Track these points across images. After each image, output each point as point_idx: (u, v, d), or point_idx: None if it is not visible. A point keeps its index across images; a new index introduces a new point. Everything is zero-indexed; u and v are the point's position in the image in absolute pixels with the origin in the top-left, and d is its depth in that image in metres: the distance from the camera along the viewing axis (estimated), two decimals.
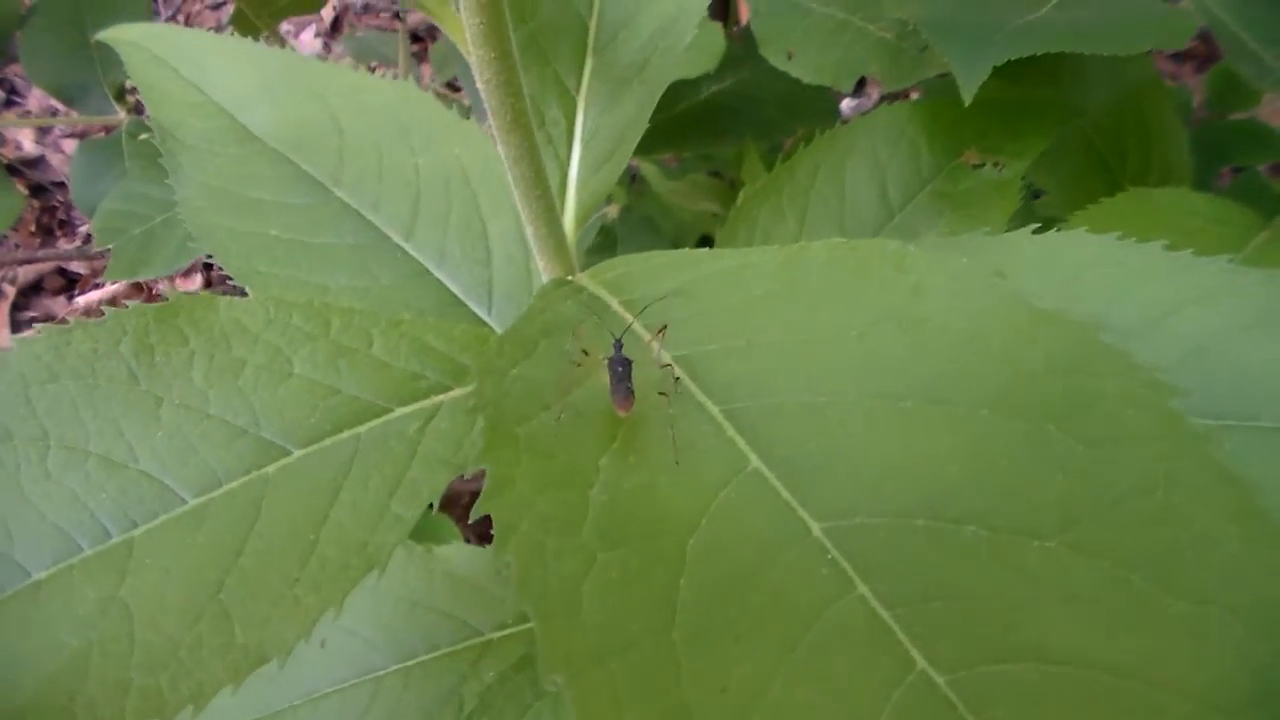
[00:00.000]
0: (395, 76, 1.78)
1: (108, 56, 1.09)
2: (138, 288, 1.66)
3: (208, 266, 1.72)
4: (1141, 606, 0.25)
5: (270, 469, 0.42)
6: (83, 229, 1.83)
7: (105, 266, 1.73)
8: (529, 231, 0.43)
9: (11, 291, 1.70)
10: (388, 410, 0.44)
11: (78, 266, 1.75)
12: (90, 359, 0.43)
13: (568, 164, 0.44)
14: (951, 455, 0.28)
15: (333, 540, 0.40)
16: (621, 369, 0.34)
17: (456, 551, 0.72)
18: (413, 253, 0.58)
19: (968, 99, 0.59)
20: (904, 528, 0.28)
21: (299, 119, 0.63)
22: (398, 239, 0.58)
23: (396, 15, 1.59)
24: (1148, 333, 0.44)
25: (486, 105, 0.37)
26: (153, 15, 1.15)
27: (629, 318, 0.36)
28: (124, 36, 0.69)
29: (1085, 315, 0.44)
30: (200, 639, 0.38)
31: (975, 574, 0.27)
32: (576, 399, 0.31)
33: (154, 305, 0.44)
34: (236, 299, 0.45)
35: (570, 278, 0.41)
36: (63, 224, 1.81)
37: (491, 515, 0.26)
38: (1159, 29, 0.64)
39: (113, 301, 1.68)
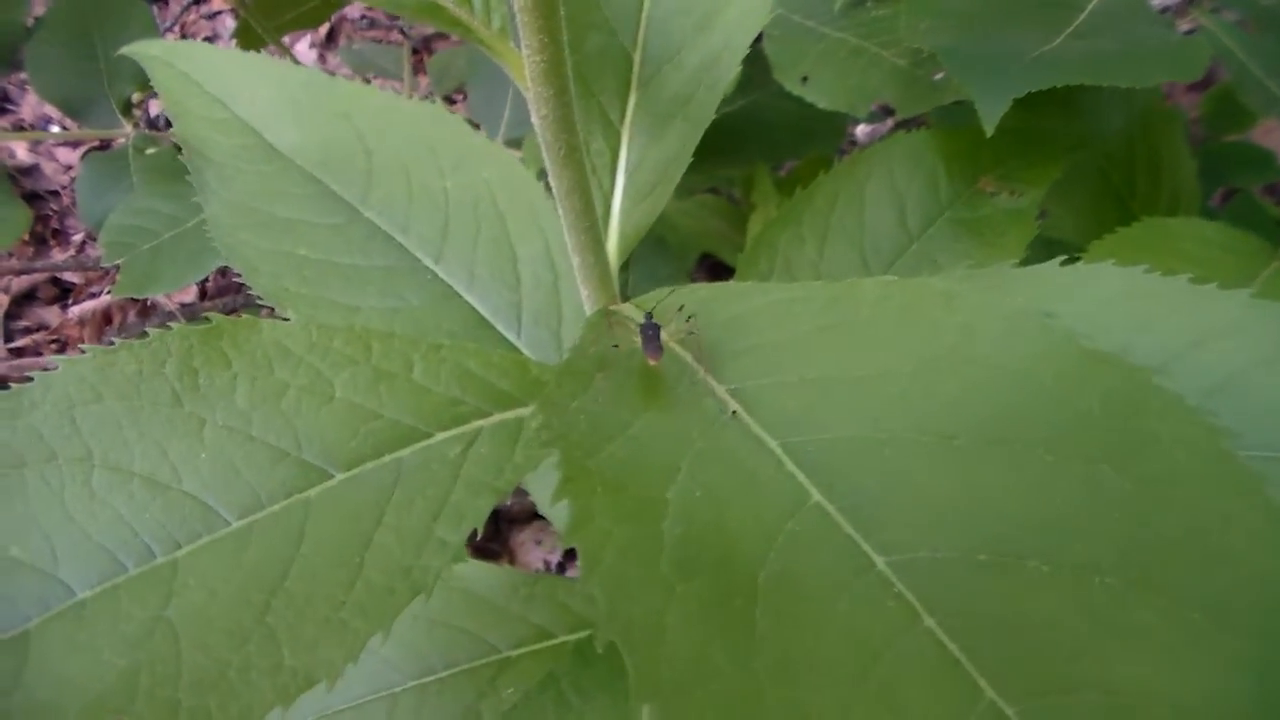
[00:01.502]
0: (394, 89, 1.79)
1: (114, 70, 1.10)
2: (133, 299, 1.66)
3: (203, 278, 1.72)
4: (1203, 643, 0.26)
5: (313, 492, 0.43)
6: (77, 237, 1.82)
7: (100, 276, 1.73)
8: (575, 261, 0.44)
9: (5, 300, 1.69)
10: (429, 435, 0.44)
11: (72, 275, 1.74)
12: (135, 380, 0.44)
13: (611, 195, 0.45)
14: (1010, 493, 0.29)
15: (378, 564, 0.40)
16: (651, 332, 0.39)
17: (474, 569, 0.72)
18: (442, 275, 0.59)
19: (989, 130, 0.61)
20: (967, 562, 0.28)
21: (326, 138, 0.64)
22: (427, 261, 0.59)
23: (402, 30, 1.59)
24: (1173, 366, 0.45)
25: (541, 139, 0.37)
26: (157, 29, 1.15)
27: (677, 348, 0.37)
28: (148, 52, 0.69)
29: (1111, 347, 0.45)
30: (249, 660, 0.39)
31: (1039, 607, 0.27)
32: (636, 431, 0.32)
33: (198, 327, 0.45)
34: (279, 322, 0.46)
35: (613, 307, 0.42)
36: (56, 233, 1.81)
37: (576, 548, 0.26)
38: (1172, 61, 0.66)
39: (107, 312, 1.68)
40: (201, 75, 0.67)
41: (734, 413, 0.33)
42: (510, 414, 0.45)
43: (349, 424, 0.44)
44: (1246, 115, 1.18)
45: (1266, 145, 1.17)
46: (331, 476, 0.43)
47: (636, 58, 0.45)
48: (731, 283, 0.39)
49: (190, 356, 0.44)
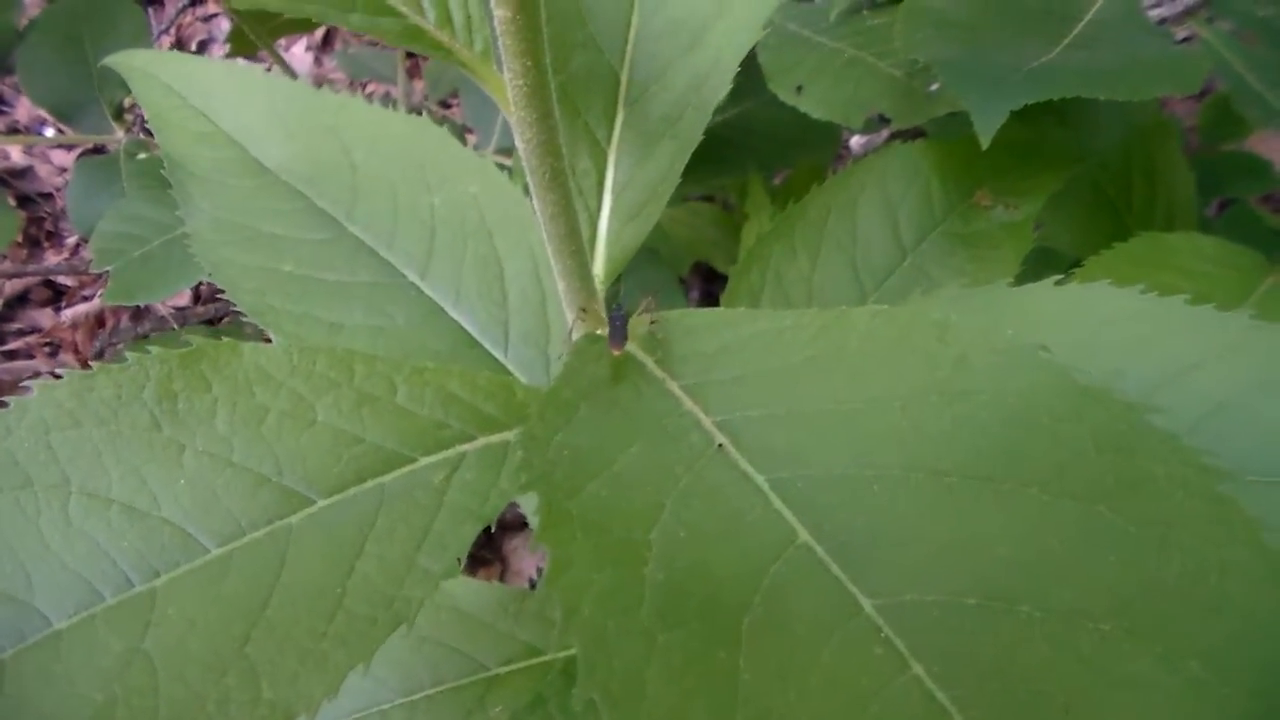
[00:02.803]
0: (389, 93, 1.78)
1: (106, 75, 1.09)
2: None
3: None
4: (1201, 695, 0.25)
5: (294, 519, 0.42)
6: (70, 240, 1.81)
7: (93, 279, 1.72)
8: (560, 286, 0.43)
9: None
10: (412, 460, 0.44)
11: (65, 278, 1.73)
12: (113, 405, 0.43)
13: (598, 216, 0.44)
14: (1001, 534, 0.29)
15: (359, 594, 0.40)
16: (619, 323, 0.39)
17: (462, 586, 0.71)
18: (428, 291, 0.58)
19: (985, 143, 0.60)
20: (956, 606, 0.28)
21: (311, 152, 0.63)
22: (413, 277, 0.58)
23: None
24: (1169, 388, 0.44)
25: (525, 164, 0.36)
26: (150, 32, 1.14)
27: (664, 378, 0.36)
28: (131, 63, 0.68)
29: (1106, 369, 0.45)
30: (227, 694, 0.38)
31: (1030, 655, 0.27)
32: (620, 468, 0.31)
33: (178, 351, 0.44)
34: (260, 345, 0.45)
35: (600, 332, 0.41)
36: (50, 235, 1.80)
37: (555, 597, 0.25)
38: (1171, 74, 0.65)
39: (100, 315, 1.67)
40: (185, 87, 0.66)
41: (720, 446, 0.33)
42: (495, 438, 0.44)
43: (331, 449, 0.43)
44: (1243, 124, 1.17)
45: (1263, 154, 1.16)
46: (313, 503, 0.42)
47: (624, 76, 0.44)
48: (720, 309, 0.38)
49: (169, 380, 0.43)
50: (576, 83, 0.44)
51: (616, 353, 0.37)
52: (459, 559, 0.40)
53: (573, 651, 0.68)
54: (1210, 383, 0.44)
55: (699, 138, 0.43)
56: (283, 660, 0.38)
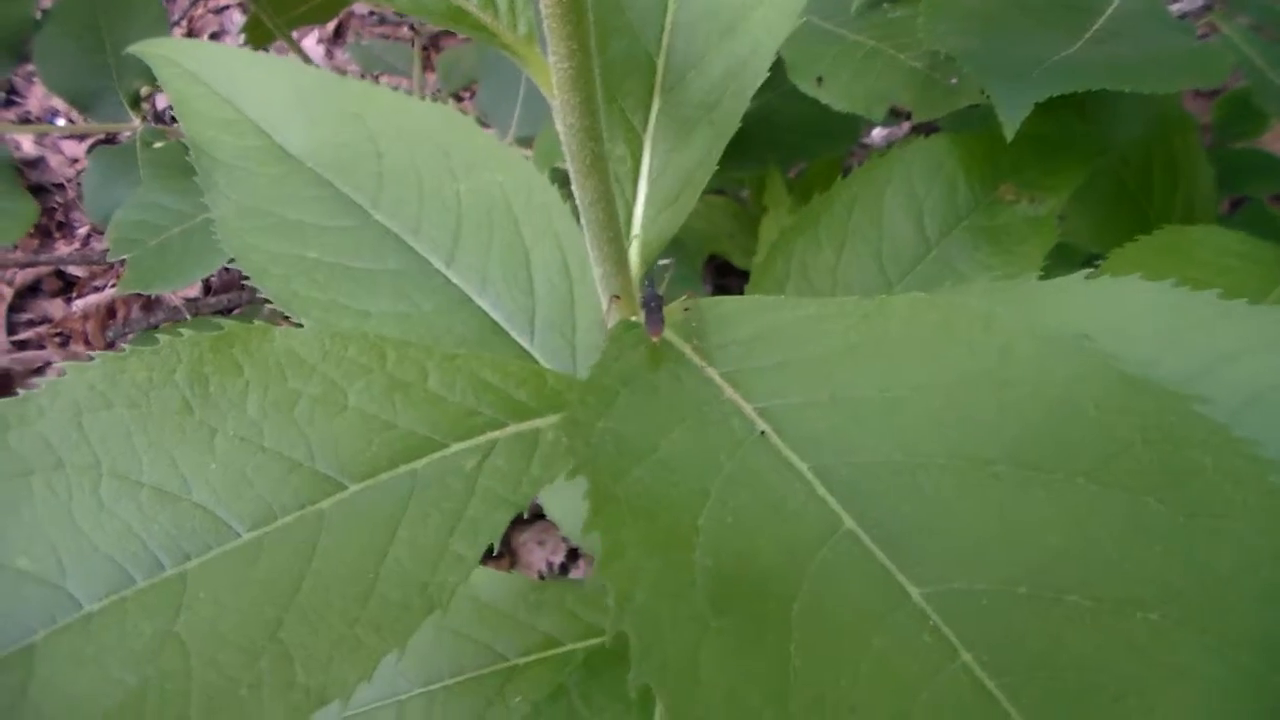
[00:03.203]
0: (399, 85, 1.78)
1: (123, 63, 1.09)
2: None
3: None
4: (1251, 685, 0.25)
5: (325, 504, 0.42)
6: (81, 230, 1.81)
7: (104, 270, 1.72)
8: (596, 272, 0.43)
9: (9, 293, 1.69)
10: (444, 446, 0.44)
11: (76, 269, 1.73)
12: (145, 387, 0.43)
13: (633, 203, 0.44)
14: (1050, 524, 0.28)
15: (393, 579, 0.40)
16: (655, 308, 0.40)
17: (482, 576, 0.71)
18: (454, 279, 0.58)
19: (1010, 135, 0.60)
20: (1005, 595, 0.28)
21: (337, 139, 0.63)
22: (439, 264, 0.58)
23: (412, 27, 1.58)
24: (1202, 380, 0.44)
25: (565, 149, 0.36)
26: (167, 21, 1.14)
27: (702, 364, 0.36)
28: (156, 50, 0.68)
29: (1140, 361, 0.44)
30: (261, 678, 0.38)
31: (1080, 644, 0.27)
32: (663, 454, 0.31)
33: (209, 334, 0.44)
34: (292, 329, 0.45)
35: (635, 319, 0.41)
36: (61, 225, 1.80)
37: (608, 583, 0.25)
38: (1194, 67, 0.65)
39: (111, 306, 1.67)
40: (209, 75, 0.66)
41: (762, 433, 0.32)
42: (526, 425, 0.44)
43: (362, 434, 0.43)
44: (1257, 121, 1.17)
45: (1276, 151, 1.16)
46: (345, 488, 0.42)
47: (660, 63, 0.44)
48: (757, 296, 0.38)
49: (201, 364, 0.43)
50: (613, 69, 0.44)
51: (655, 338, 0.37)
52: (492, 545, 0.40)
53: (593, 642, 0.68)
54: (1243, 376, 0.44)
55: (736, 125, 0.43)
56: (316, 645, 0.38)
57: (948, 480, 0.30)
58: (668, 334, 0.38)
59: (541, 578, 1.47)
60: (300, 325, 0.56)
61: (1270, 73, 0.76)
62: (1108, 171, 0.77)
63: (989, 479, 0.30)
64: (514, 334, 0.56)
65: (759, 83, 0.43)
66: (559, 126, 0.36)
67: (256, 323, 0.44)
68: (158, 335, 0.43)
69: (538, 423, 0.44)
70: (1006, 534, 0.29)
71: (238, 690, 0.37)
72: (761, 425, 0.33)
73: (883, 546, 0.29)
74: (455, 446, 0.44)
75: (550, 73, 0.33)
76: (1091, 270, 0.47)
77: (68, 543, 0.41)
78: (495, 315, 0.57)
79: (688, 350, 0.37)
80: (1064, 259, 0.68)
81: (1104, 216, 0.76)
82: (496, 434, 0.44)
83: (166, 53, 0.67)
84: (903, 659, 0.26)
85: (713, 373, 0.35)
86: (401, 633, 0.38)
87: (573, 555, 1.52)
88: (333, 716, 0.68)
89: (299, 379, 0.44)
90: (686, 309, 0.40)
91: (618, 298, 0.43)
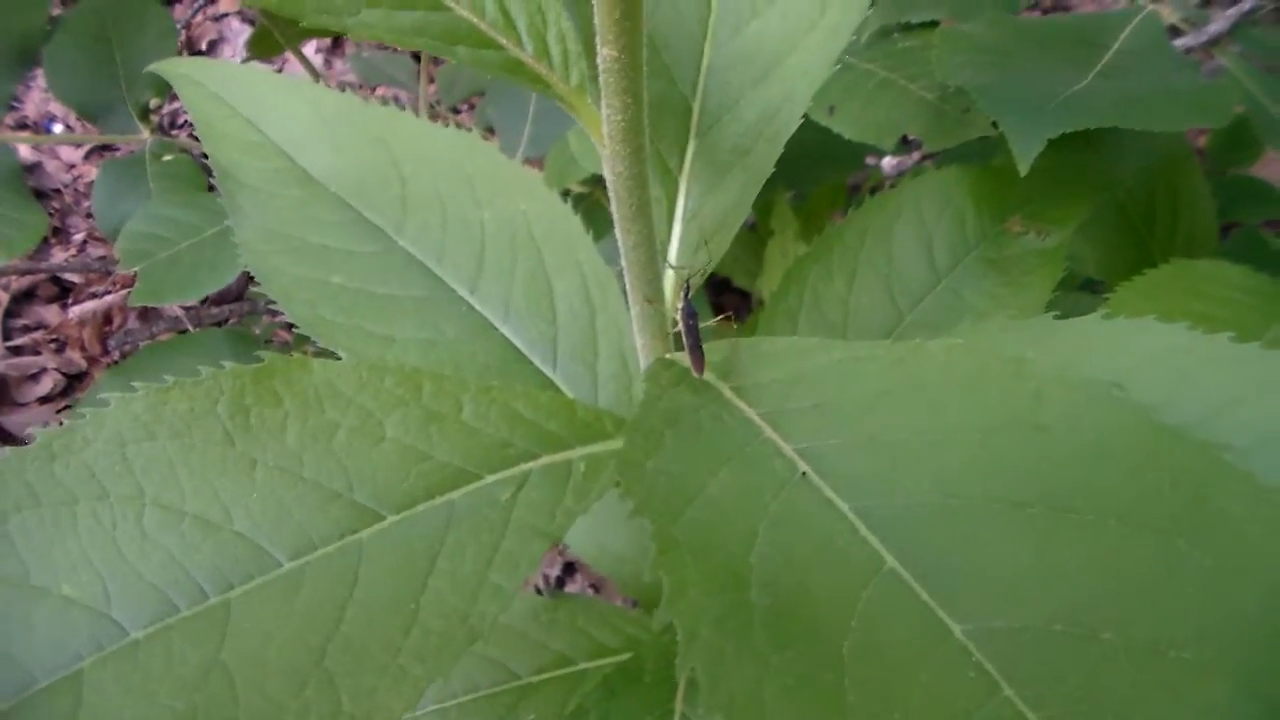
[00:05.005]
0: (397, 97, 1.79)
1: (133, 75, 1.09)
2: None
3: None
4: None
5: (365, 534, 0.43)
6: (77, 237, 1.81)
7: (100, 276, 1.72)
8: (633, 310, 0.44)
9: (5, 299, 1.68)
10: (479, 477, 0.45)
11: (72, 275, 1.73)
12: (187, 418, 0.44)
13: (667, 243, 0.45)
14: (1084, 564, 0.30)
15: (434, 609, 0.41)
16: (692, 322, 0.41)
17: None
18: (478, 306, 0.59)
19: (1024, 169, 0.61)
20: (1043, 633, 0.29)
21: (360, 164, 0.64)
22: (463, 292, 0.59)
23: None
24: (1213, 421, 0.46)
25: (612, 193, 0.38)
26: (176, 34, 1.14)
27: (742, 405, 0.38)
28: (179, 70, 0.69)
29: (1153, 401, 0.46)
30: (307, 705, 0.39)
31: (1116, 681, 0.28)
32: (713, 493, 0.32)
33: (250, 366, 0.45)
34: (329, 361, 0.46)
35: (669, 356, 0.42)
36: (57, 232, 1.79)
37: (676, 620, 0.27)
38: (1200, 106, 0.66)
39: (107, 313, 1.67)
40: (233, 96, 0.67)
41: (804, 474, 0.34)
42: (559, 456, 0.45)
43: (400, 465, 0.44)
44: (1250, 149, 1.20)
45: (1267, 178, 1.18)
46: (383, 518, 0.43)
47: (696, 106, 0.45)
48: (794, 338, 0.39)
49: (242, 395, 0.44)
50: (649, 110, 0.45)
51: (698, 375, 0.38)
52: (528, 576, 0.41)
53: (605, 661, 0.69)
54: (1253, 416, 0.45)
55: (770, 170, 0.45)
56: (361, 674, 0.39)
57: (985, 521, 0.31)
58: (707, 374, 0.39)
59: (539, 591, 1.48)
60: (315, 347, 0.57)
61: (1271, 106, 0.78)
62: (1112, 203, 0.79)
63: (1024, 520, 0.31)
64: (537, 362, 0.57)
65: (794, 128, 0.45)
66: (607, 174, 0.37)
67: (295, 355, 0.45)
68: (201, 368, 0.44)
69: (570, 454, 0.45)
70: (1042, 573, 0.30)
71: (284, 717, 0.38)
72: (803, 466, 0.34)
73: (924, 585, 0.30)
74: (490, 478, 0.45)
75: (602, 123, 0.35)
76: (1106, 311, 0.49)
77: (112, 571, 0.41)
78: (518, 343, 0.58)
79: (726, 391, 0.38)
80: (1063, 283, 0.70)
81: (1108, 247, 0.78)
82: (530, 465, 0.45)
83: (190, 73, 0.67)
84: (950, 693, 0.28)
85: (752, 414, 0.37)
86: (444, 662, 0.39)
87: (568, 569, 1.53)
88: None
89: (337, 410, 0.45)
90: (722, 347, 0.41)
91: (655, 340, 0.44)
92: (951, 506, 0.32)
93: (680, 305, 0.40)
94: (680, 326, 0.40)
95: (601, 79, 0.33)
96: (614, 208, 0.38)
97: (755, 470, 0.34)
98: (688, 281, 0.41)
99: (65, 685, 0.39)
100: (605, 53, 0.31)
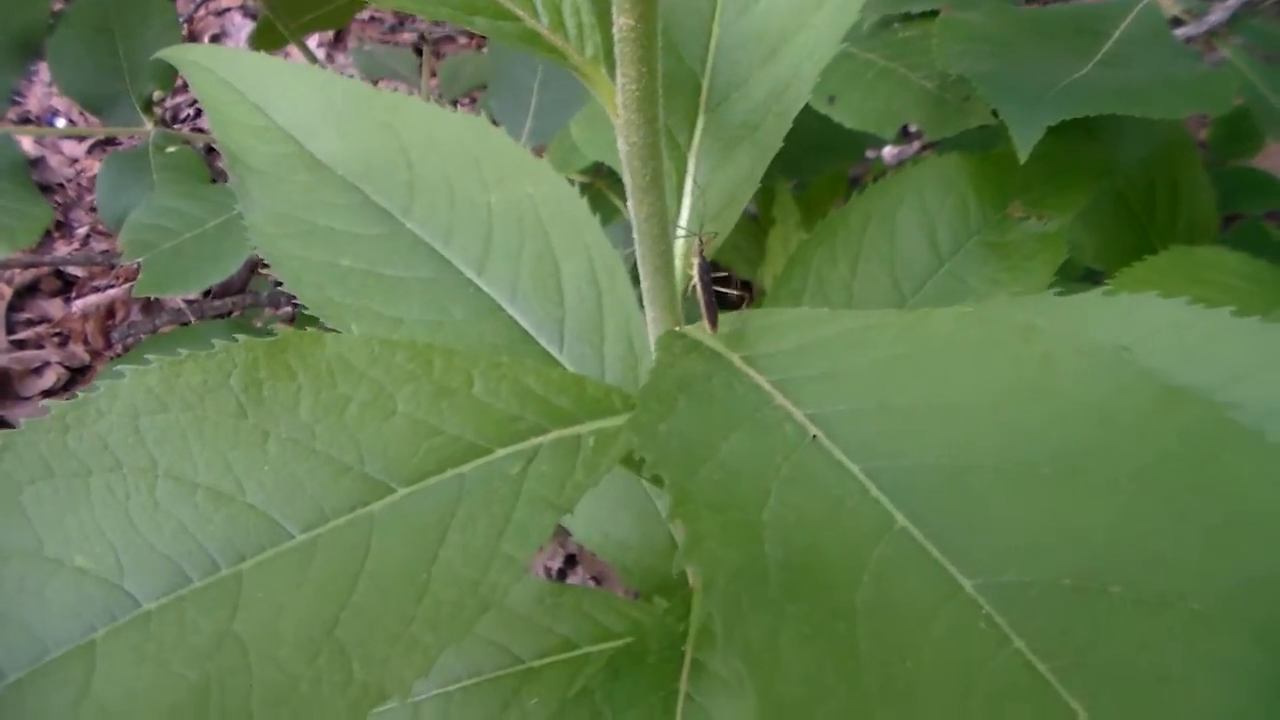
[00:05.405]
0: (402, 90, 1.79)
1: (136, 67, 1.09)
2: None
3: None
4: None
5: (376, 506, 0.43)
6: (81, 230, 1.81)
7: (104, 270, 1.72)
8: (644, 284, 0.44)
9: (8, 293, 1.69)
10: (489, 451, 0.45)
11: (75, 269, 1.73)
12: (200, 391, 0.44)
13: (676, 218, 0.46)
14: (1093, 522, 0.30)
15: (445, 579, 0.41)
16: (707, 277, 0.42)
17: None
18: (485, 288, 0.59)
19: (1024, 157, 0.62)
20: (1052, 587, 0.29)
21: (367, 148, 0.64)
22: (470, 274, 0.59)
23: (421, 35, 1.59)
24: (1216, 395, 0.46)
25: (625, 165, 0.38)
26: (179, 26, 1.15)
27: (752, 373, 0.38)
28: (186, 57, 0.69)
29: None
30: (320, 674, 0.39)
31: (1125, 632, 0.28)
32: (724, 455, 0.33)
33: (263, 340, 0.45)
34: (342, 335, 0.46)
35: (679, 329, 0.42)
36: (60, 225, 1.80)
37: (694, 568, 0.27)
38: (1200, 93, 0.67)
39: (110, 306, 1.67)
40: (241, 82, 0.67)
41: (815, 437, 0.34)
42: (569, 431, 0.46)
43: (411, 439, 0.45)
44: (1251, 140, 1.20)
45: (1269, 169, 1.19)
46: (394, 491, 0.44)
47: (705, 83, 0.46)
48: (802, 309, 0.40)
49: (255, 368, 0.45)
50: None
51: (712, 331, 0.38)
52: (541, 546, 0.42)
53: (609, 645, 0.69)
54: (1258, 391, 0.46)
55: (779, 145, 0.45)
56: (373, 643, 0.40)
57: (994, 482, 0.32)
58: (713, 343, 0.39)
59: (548, 574, 1.48)
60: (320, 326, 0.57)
61: (1271, 97, 0.79)
62: (1111, 191, 0.80)
63: (1034, 481, 0.32)
64: (544, 343, 0.58)
65: (800, 105, 0.45)
66: (620, 145, 0.37)
67: (309, 329, 0.46)
68: (214, 340, 0.44)
69: (579, 429, 0.46)
70: (1052, 531, 0.30)
71: (298, 686, 0.39)
72: (813, 430, 0.34)
73: (935, 542, 0.30)
74: (500, 452, 0.45)
75: (617, 93, 0.35)
76: (1109, 287, 0.49)
77: (125, 542, 0.42)
78: (525, 324, 0.58)
79: (736, 360, 0.38)
80: (1064, 273, 0.70)
81: (1108, 234, 0.78)
82: (540, 439, 0.46)
83: (199, 59, 0.68)
84: (961, 644, 0.28)
85: (762, 380, 0.37)
86: (456, 630, 0.39)
87: (570, 561, 1.53)
88: None
89: (349, 384, 0.45)
90: (731, 319, 0.42)
91: (666, 311, 0.44)
92: (961, 467, 0.32)
93: (696, 261, 0.40)
94: (695, 281, 0.40)
95: (617, 48, 0.33)
96: (627, 179, 0.38)
97: (766, 434, 0.34)
98: (701, 239, 0.41)
99: (78, 655, 0.39)
100: (622, 21, 0.32)
